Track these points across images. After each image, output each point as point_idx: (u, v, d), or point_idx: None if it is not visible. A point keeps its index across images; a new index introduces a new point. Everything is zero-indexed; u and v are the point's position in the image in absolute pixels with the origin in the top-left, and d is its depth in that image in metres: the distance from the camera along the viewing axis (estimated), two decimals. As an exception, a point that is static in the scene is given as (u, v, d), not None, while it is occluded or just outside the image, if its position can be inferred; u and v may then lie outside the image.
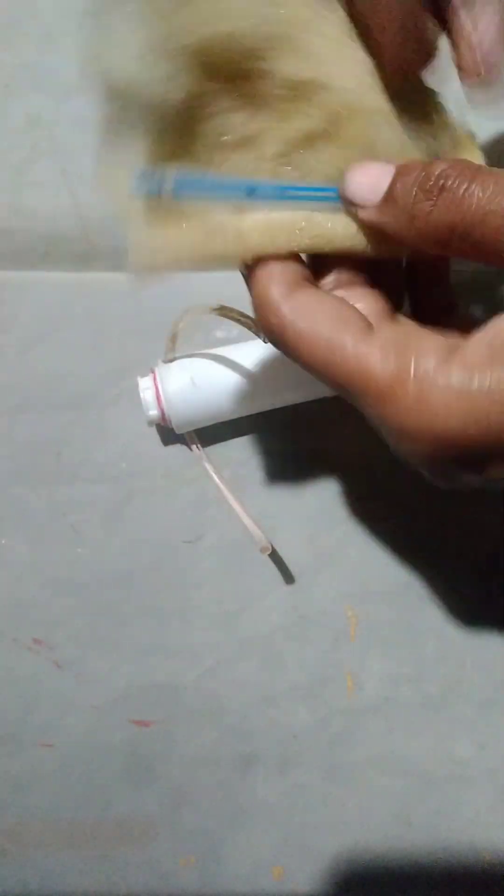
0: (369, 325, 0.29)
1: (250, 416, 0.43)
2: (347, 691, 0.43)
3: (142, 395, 0.42)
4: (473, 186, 0.26)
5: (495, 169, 0.27)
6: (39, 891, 0.42)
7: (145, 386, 0.42)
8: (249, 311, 0.40)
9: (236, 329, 0.45)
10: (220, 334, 0.45)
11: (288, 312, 0.29)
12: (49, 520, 0.45)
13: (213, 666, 0.43)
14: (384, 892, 0.40)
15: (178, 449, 0.45)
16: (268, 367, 0.41)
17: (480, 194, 0.26)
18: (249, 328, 0.40)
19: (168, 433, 0.44)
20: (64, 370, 0.46)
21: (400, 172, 0.29)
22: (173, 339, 0.43)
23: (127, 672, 0.43)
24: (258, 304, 0.30)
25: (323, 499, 0.44)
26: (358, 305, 0.30)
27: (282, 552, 0.43)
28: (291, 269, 0.30)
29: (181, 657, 0.43)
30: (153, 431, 0.45)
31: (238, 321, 0.40)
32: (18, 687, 0.44)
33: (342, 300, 0.30)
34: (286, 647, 0.43)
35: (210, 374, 0.41)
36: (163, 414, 0.42)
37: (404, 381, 0.26)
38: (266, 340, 0.31)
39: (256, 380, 0.41)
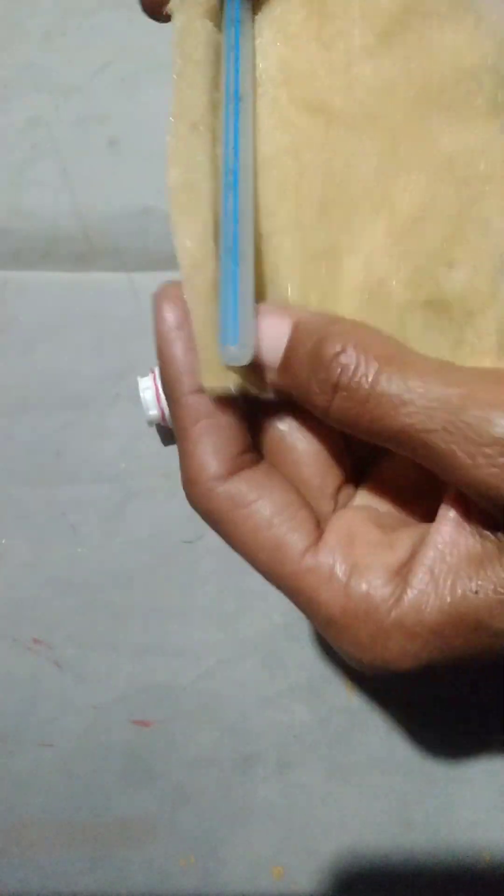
0: (315, 525, 0.26)
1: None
2: (347, 691, 0.43)
3: (142, 394, 0.42)
4: (379, 383, 0.23)
5: (395, 344, 0.24)
6: (39, 891, 0.42)
7: (145, 386, 0.42)
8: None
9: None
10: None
11: (224, 504, 0.26)
12: (49, 520, 0.45)
13: (213, 666, 0.43)
14: (384, 892, 0.40)
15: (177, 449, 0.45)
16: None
17: (388, 391, 0.23)
18: None
19: (168, 433, 0.44)
20: (64, 370, 0.46)
21: (293, 338, 0.25)
22: None
23: (127, 672, 0.43)
24: (188, 483, 0.26)
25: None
26: (300, 446, 0.28)
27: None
28: (229, 439, 0.26)
29: (181, 657, 0.43)
30: (153, 431, 0.45)
31: None
32: (18, 687, 0.44)
33: (284, 484, 0.27)
34: (286, 647, 0.43)
35: None
36: (163, 414, 0.41)
37: (353, 619, 0.24)
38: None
39: None
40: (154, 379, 0.42)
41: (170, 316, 0.27)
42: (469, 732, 0.42)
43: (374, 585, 0.24)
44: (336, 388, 0.23)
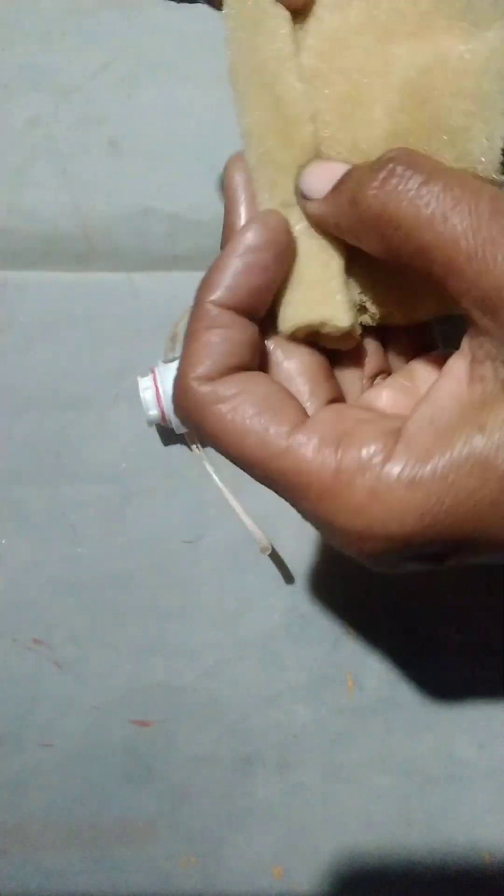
0: (303, 413, 0.26)
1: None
2: (347, 691, 0.43)
3: (142, 395, 0.42)
4: (427, 184, 0.23)
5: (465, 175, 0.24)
6: (39, 891, 0.42)
7: (145, 386, 0.42)
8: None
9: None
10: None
11: (207, 398, 0.26)
12: (49, 520, 0.45)
13: (213, 666, 0.43)
14: (384, 892, 0.40)
15: (178, 449, 0.45)
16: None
17: (432, 195, 0.23)
18: None
19: (168, 433, 0.44)
20: (64, 370, 0.45)
21: (354, 167, 0.26)
22: (173, 338, 0.43)
23: (127, 672, 0.43)
24: (177, 377, 0.27)
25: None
26: (291, 362, 0.28)
27: (282, 552, 0.43)
28: (235, 351, 0.27)
29: (181, 657, 0.43)
30: (153, 431, 0.45)
31: None
32: (18, 687, 0.44)
33: (270, 381, 0.27)
34: (286, 647, 0.43)
35: None
36: (163, 414, 0.41)
37: (348, 480, 0.23)
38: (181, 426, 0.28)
39: None
40: (154, 379, 0.42)
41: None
42: (469, 733, 0.42)
43: (366, 444, 0.24)
44: (390, 174, 0.24)
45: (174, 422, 0.42)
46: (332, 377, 0.29)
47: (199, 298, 0.27)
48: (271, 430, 0.25)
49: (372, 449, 0.23)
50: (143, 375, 0.42)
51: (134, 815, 0.42)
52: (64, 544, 0.44)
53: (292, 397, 0.27)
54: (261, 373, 0.28)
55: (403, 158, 0.24)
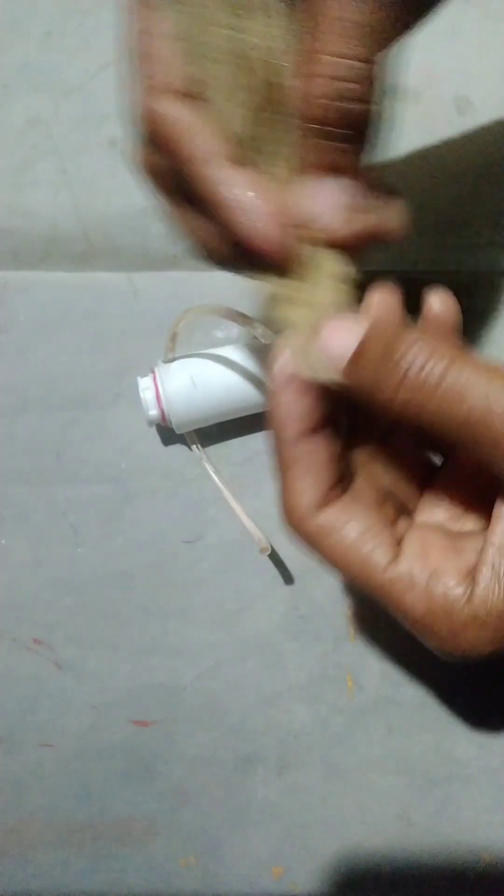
0: (396, 546, 0.30)
1: (250, 415, 0.43)
2: (347, 691, 0.43)
3: (141, 395, 0.42)
4: (449, 372, 0.27)
5: (464, 352, 0.27)
6: (39, 891, 0.42)
7: (145, 386, 0.42)
8: (249, 312, 0.40)
9: (236, 329, 0.45)
10: (219, 334, 0.45)
11: (318, 531, 0.30)
12: (49, 520, 0.45)
13: (212, 666, 0.43)
14: (384, 892, 0.40)
15: (178, 449, 0.45)
16: (267, 367, 0.41)
17: (457, 381, 0.27)
18: (249, 328, 0.40)
19: (168, 433, 0.44)
20: (63, 370, 0.46)
21: (366, 338, 0.28)
22: (173, 338, 0.43)
23: (127, 672, 0.43)
24: (287, 512, 0.31)
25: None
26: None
27: (282, 552, 0.43)
28: (322, 476, 0.30)
29: (181, 657, 0.43)
30: (153, 431, 0.45)
31: (237, 322, 0.40)
32: (18, 687, 0.44)
33: (369, 512, 0.31)
34: (286, 647, 0.43)
35: (210, 374, 0.41)
36: (163, 414, 0.41)
37: (435, 619, 0.29)
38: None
39: (256, 380, 0.41)
40: (154, 379, 0.42)
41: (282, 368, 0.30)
42: (469, 733, 0.42)
43: (449, 587, 0.29)
44: (404, 379, 0.27)
45: (174, 421, 0.42)
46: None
47: (281, 435, 0.30)
48: (372, 564, 0.29)
49: (452, 594, 0.29)
50: (143, 376, 0.42)
51: (134, 815, 0.42)
52: (64, 544, 0.44)
53: (386, 525, 0.31)
54: (358, 498, 0.31)
55: (419, 348, 0.27)
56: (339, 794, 0.42)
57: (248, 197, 0.27)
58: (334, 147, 0.27)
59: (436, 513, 0.34)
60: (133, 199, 0.45)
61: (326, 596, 0.43)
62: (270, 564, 0.43)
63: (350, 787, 0.42)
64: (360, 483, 0.32)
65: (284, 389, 0.29)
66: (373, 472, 0.33)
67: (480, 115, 0.46)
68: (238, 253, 0.30)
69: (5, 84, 0.48)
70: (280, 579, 0.44)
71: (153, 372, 0.42)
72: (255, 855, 0.41)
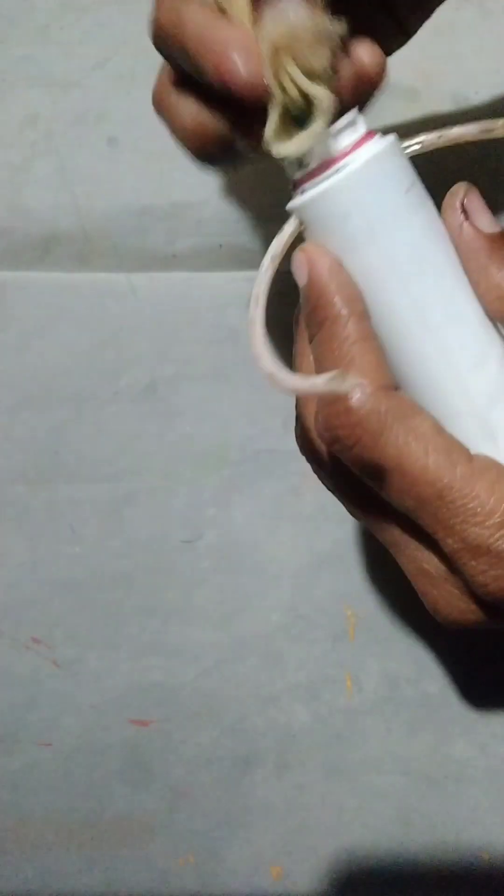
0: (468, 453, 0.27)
1: (250, 416, 0.43)
2: (347, 691, 0.43)
3: None
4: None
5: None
6: (39, 891, 0.42)
7: None
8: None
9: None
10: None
11: (403, 405, 0.26)
12: (47, 519, 0.44)
13: (212, 666, 0.43)
14: (384, 892, 0.41)
15: (177, 448, 0.45)
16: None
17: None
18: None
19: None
20: (62, 369, 0.45)
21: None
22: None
23: (126, 671, 0.43)
24: (368, 380, 0.26)
25: (323, 499, 0.44)
26: None
27: (282, 552, 0.43)
28: (382, 357, 0.27)
29: (180, 657, 0.43)
30: (153, 431, 0.45)
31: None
32: (17, 686, 0.44)
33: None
34: (286, 647, 0.43)
35: None
36: None
37: None
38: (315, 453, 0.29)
39: None
40: None
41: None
42: (469, 733, 0.42)
43: None
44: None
45: None
46: None
47: (350, 312, 0.27)
48: (458, 450, 0.26)
49: None
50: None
51: (133, 815, 0.42)
52: (62, 544, 0.44)
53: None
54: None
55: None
56: (338, 794, 0.42)
57: (224, 29, 0.25)
58: None
59: None
60: (133, 198, 0.44)
61: (326, 596, 0.43)
62: (270, 564, 0.43)
63: (349, 787, 0.42)
64: None
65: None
66: None
67: (479, 114, 0.46)
68: (232, 135, 0.28)
69: (3, 78, 0.47)
70: (280, 579, 0.43)
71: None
72: (254, 855, 0.41)
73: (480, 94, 0.45)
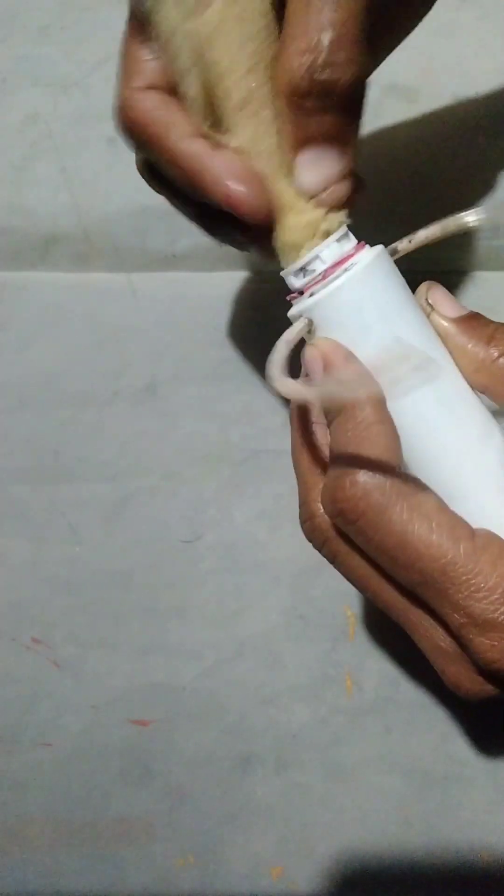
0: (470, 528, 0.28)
1: (250, 416, 0.43)
2: (347, 691, 0.43)
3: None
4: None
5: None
6: (39, 891, 0.42)
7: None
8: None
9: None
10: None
11: (404, 488, 0.27)
12: (47, 519, 0.44)
13: (212, 666, 0.43)
14: (383, 892, 0.41)
15: (177, 448, 0.45)
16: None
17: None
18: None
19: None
20: (62, 369, 0.45)
21: (474, 315, 0.30)
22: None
23: (126, 671, 0.43)
24: (367, 463, 0.28)
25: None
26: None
27: (282, 552, 0.43)
28: (396, 445, 0.28)
29: (180, 657, 0.43)
30: (152, 431, 0.45)
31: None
32: (17, 686, 0.44)
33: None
34: (286, 647, 0.43)
35: None
36: None
37: None
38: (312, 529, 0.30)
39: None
40: None
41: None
42: (469, 733, 0.42)
43: None
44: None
45: None
46: None
47: (363, 397, 0.28)
48: (462, 527, 0.27)
49: None
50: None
51: (132, 815, 0.42)
52: (62, 544, 0.44)
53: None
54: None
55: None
56: (338, 794, 0.42)
57: (221, 159, 0.27)
58: (318, 119, 0.27)
59: None
60: (133, 198, 0.45)
61: (326, 596, 0.43)
62: (270, 564, 0.43)
63: (349, 787, 0.42)
64: None
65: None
66: None
67: (479, 114, 0.45)
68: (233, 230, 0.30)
69: (3, 78, 0.47)
70: (280, 579, 0.43)
71: None
72: (254, 855, 0.41)
73: (480, 94, 0.45)
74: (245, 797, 0.42)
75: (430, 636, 0.28)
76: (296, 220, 0.28)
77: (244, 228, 0.29)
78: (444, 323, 0.30)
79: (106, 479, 0.45)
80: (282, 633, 0.43)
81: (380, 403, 0.28)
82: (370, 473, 0.27)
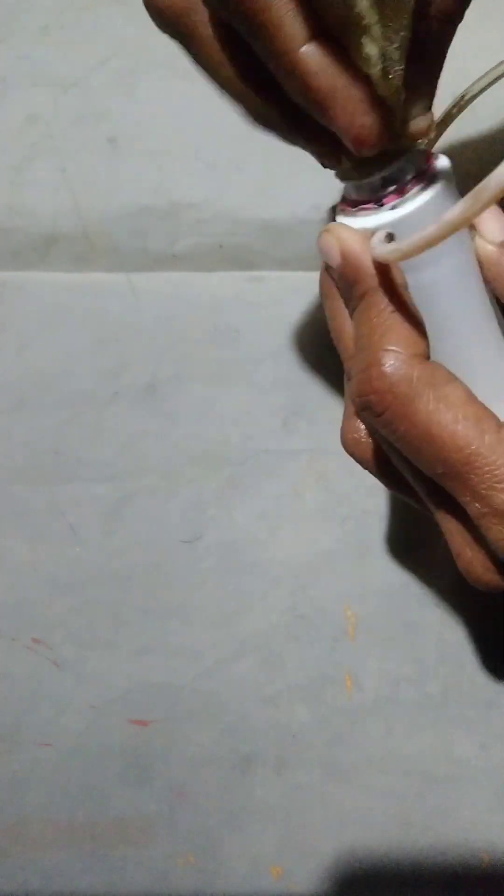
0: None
1: (250, 416, 0.43)
2: (347, 691, 0.43)
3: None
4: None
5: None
6: (39, 891, 0.42)
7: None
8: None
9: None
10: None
11: (434, 375, 0.27)
12: (47, 519, 0.44)
13: (212, 666, 0.43)
14: (383, 892, 0.41)
15: (177, 448, 0.45)
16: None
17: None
18: None
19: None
20: (62, 369, 0.45)
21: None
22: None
23: (126, 672, 0.43)
24: (395, 347, 0.27)
25: (323, 499, 0.44)
26: None
27: (282, 552, 0.43)
28: (422, 330, 0.28)
29: (180, 657, 0.43)
30: (152, 431, 0.45)
31: None
32: (17, 686, 0.44)
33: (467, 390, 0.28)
34: (286, 647, 0.43)
35: None
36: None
37: None
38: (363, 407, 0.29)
39: None
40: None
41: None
42: (469, 733, 0.42)
43: None
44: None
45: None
46: None
47: (388, 282, 0.28)
48: (489, 419, 0.27)
49: None
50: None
51: (133, 815, 0.42)
52: (62, 544, 0.44)
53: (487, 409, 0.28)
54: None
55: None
56: (338, 794, 0.42)
57: (355, 86, 0.25)
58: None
59: None
60: (133, 198, 0.44)
61: (326, 596, 0.43)
62: (270, 564, 0.43)
63: (349, 787, 0.42)
64: None
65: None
66: None
67: (479, 114, 0.45)
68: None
69: (3, 78, 0.47)
70: (280, 579, 0.43)
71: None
72: (254, 855, 0.41)
73: (481, 96, 0.45)
74: (245, 797, 0.42)
75: (449, 519, 0.29)
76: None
77: (332, 141, 0.27)
78: (489, 247, 0.29)
79: (106, 479, 0.45)
80: (282, 633, 0.43)
81: (402, 290, 0.28)
82: (395, 364, 0.27)
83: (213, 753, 0.42)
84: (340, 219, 0.29)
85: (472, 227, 0.29)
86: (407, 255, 0.26)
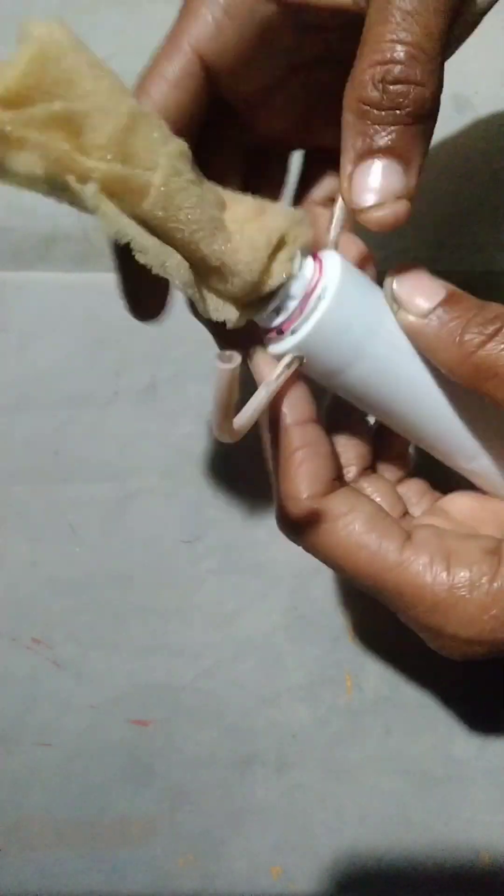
0: (404, 533, 0.29)
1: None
2: (346, 691, 0.43)
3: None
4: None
5: None
6: (39, 891, 0.42)
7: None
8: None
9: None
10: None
11: (322, 517, 0.28)
12: (47, 519, 0.44)
13: (212, 666, 0.43)
14: (383, 892, 0.41)
15: (177, 448, 0.45)
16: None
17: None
18: None
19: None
20: (62, 369, 0.45)
21: (452, 299, 0.28)
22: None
23: (126, 672, 0.43)
24: (288, 500, 0.29)
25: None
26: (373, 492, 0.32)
27: (282, 552, 0.43)
28: (327, 463, 0.29)
29: (180, 657, 0.43)
30: (152, 430, 0.45)
31: None
32: (17, 686, 0.44)
33: (373, 503, 0.30)
34: (286, 647, 0.43)
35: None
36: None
37: (460, 596, 0.27)
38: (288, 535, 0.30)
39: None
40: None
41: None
42: (469, 733, 0.42)
43: (473, 563, 0.27)
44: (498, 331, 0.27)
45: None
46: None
47: (282, 424, 0.29)
48: (383, 546, 0.28)
49: (478, 569, 0.27)
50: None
51: (133, 815, 0.42)
52: (62, 544, 0.44)
53: (388, 514, 0.30)
54: (358, 490, 0.30)
55: None
56: (338, 794, 0.42)
57: None
58: (385, 131, 0.26)
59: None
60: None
61: (326, 596, 0.43)
62: (270, 564, 0.43)
63: (349, 787, 0.42)
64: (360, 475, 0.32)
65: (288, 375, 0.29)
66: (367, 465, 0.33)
67: (479, 114, 0.45)
68: None
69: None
70: (280, 579, 0.43)
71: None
72: (254, 855, 0.41)
73: (480, 94, 0.45)
74: (245, 797, 0.42)
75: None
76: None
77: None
78: (410, 319, 0.28)
79: (106, 479, 0.45)
80: (282, 633, 0.43)
81: (305, 425, 0.29)
82: (295, 513, 0.29)
83: (213, 753, 0.42)
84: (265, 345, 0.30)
85: (395, 301, 0.29)
86: (246, 429, 0.27)
